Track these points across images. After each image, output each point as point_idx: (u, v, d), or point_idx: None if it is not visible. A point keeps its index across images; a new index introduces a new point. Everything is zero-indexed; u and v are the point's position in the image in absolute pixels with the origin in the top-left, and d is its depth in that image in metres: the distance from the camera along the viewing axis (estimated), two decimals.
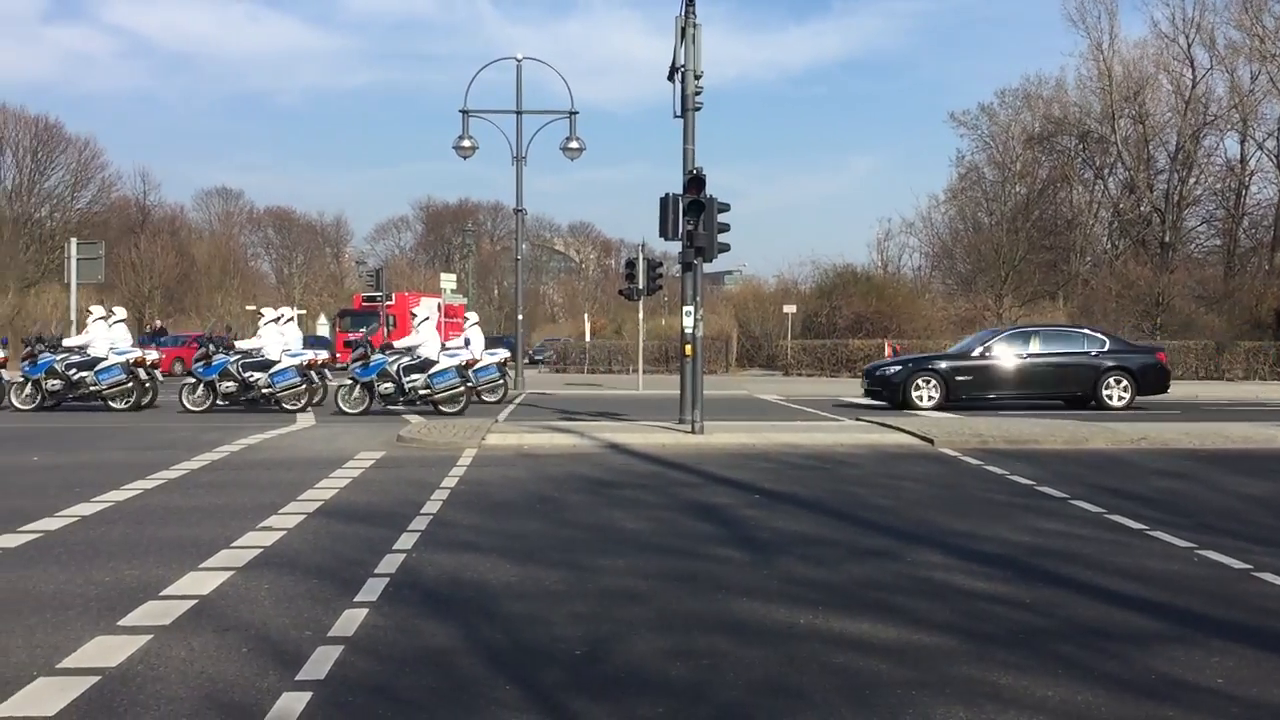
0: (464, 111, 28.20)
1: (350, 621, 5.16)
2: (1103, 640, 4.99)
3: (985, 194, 58.23)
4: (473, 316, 24.92)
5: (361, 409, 18.44)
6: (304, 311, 61.24)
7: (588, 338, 50.12)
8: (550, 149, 70.98)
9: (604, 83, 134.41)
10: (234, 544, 6.98)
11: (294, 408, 18.82)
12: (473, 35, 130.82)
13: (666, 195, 14.44)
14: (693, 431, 14.16)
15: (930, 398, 19.83)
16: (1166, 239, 51.11)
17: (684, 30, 15.16)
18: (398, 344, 19.86)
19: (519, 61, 28.92)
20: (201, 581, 5.96)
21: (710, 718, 3.99)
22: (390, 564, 6.44)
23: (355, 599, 5.59)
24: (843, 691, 4.23)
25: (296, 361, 19.11)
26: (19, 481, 10.08)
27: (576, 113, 28.52)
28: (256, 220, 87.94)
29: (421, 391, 18.70)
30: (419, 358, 18.89)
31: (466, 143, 28.39)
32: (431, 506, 8.59)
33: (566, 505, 8.89)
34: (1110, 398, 19.90)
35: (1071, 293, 50.67)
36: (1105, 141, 53.88)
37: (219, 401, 18.98)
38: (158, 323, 47.75)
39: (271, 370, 18.90)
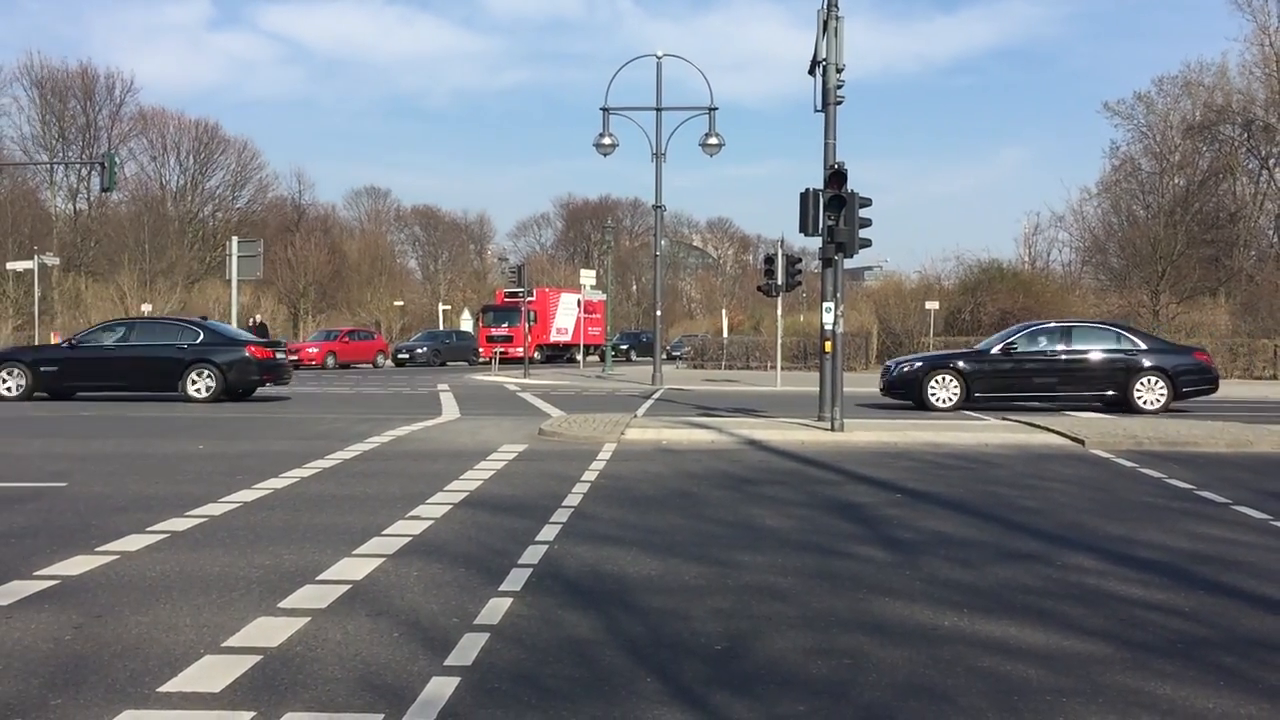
0: (605, 109, 28.55)
1: (495, 610, 5.28)
2: (1269, 652, 4.76)
3: (1141, 186, 55.95)
4: None
5: None
6: (449, 307, 62.85)
7: (725, 334, 50.09)
8: (690, 145, 71.25)
9: (744, 78, 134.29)
10: (385, 532, 7.22)
11: None
12: (614, 33, 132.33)
13: (807, 190, 14.30)
14: (832, 429, 14.02)
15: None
16: None
17: (826, 23, 15.02)
18: None
19: (659, 59, 29.09)
20: (355, 567, 6.19)
21: (852, 718, 3.95)
22: (533, 555, 6.57)
23: (500, 588, 5.73)
24: (989, 696, 4.14)
25: None
26: (186, 469, 10.62)
27: (716, 109, 28.59)
28: (404, 218, 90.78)
29: None
30: None
31: (607, 140, 28.76)
32: (572, 499, 8.72)
33: (706, 501, 8.91)
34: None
35: (1234, 289, 48.29)
36: (1271, 130, 51.15)
37: None
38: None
39: None
